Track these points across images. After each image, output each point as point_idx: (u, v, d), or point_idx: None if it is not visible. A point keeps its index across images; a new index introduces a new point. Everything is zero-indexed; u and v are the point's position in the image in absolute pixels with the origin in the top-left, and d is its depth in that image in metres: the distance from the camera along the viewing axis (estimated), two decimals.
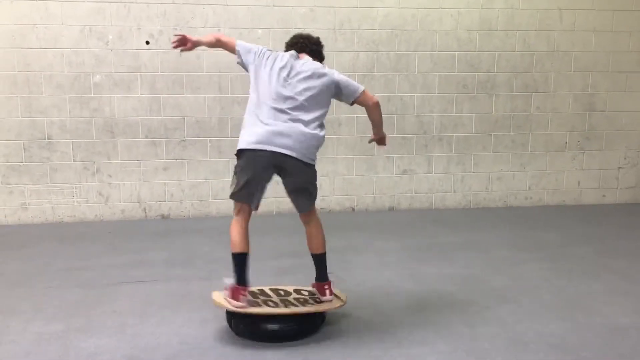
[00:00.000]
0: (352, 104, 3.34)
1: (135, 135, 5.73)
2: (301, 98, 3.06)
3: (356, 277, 4.02)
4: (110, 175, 5.75)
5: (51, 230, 5.43)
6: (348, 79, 3.28)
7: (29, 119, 5.55)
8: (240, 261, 3.03)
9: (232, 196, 3.15)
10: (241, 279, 3.01)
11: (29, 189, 5.64)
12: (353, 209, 6.23)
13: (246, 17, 5.74)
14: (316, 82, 3.12)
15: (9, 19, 5.39)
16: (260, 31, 5.76)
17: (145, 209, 5.86)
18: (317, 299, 3.25)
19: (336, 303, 3.25)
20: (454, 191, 6.38)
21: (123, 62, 5.62)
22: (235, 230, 3.07)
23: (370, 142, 3.64)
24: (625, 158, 6.60)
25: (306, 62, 3.19)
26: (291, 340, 3.01)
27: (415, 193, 6.31)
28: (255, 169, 3.05)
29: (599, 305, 3.53)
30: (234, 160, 6.32)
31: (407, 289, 3.82)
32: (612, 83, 6.42)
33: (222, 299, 3.03)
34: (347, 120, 6.05)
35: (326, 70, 3.20)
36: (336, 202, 6.17)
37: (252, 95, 3.12)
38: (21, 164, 5.60)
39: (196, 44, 3.26)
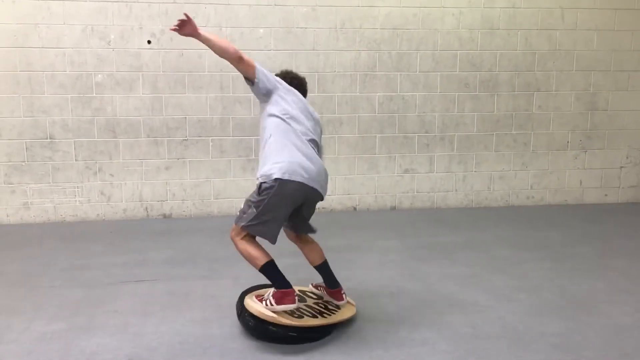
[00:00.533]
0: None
1: (137, 134, 5.74)
2: (318, 141, 3.14)
3: (358, 276, 4.02)
4: (112, 175, 5.76)
5: (53, 229, 5.44)
6: None
7: (31, 118, 5.56)
8: (272, 269, 3.00)
9: (249, 228, 3.01)
10: (283, 283, 2.99)
11: (31, 189, 5.65)
12: (354, 209, 6.23)
13: (248, 17, 5.74)
14: (319, 128, 3.23)
15: (11, 18, 5.40)
16: (261, 30, 5.76)
17: (147, 208, 5.87)
18: (332, 304, 3.29)
19: (351, 310, 3.29)
20: (456, 190, 6.37)
21: (125, 62, 5.63)
22: (249, 248, 3.02)
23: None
24: (627, 157, 6.59)
25: (312, 108, 3.22)
26: (305, 343, 3.01)
27: (417, 192, 6.31)
28: (293, 204, 3.00)
29: (601, 304, 3.53)
30: (235, 160, 6.32)
31: (408, 288, 3.82)
32: (614, 82, 6.41)
33: (268, 312, 2.99)
34: (349, 119, 6.05)
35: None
36: (338, 201, 6.17)
37: (276, 120, 2.99)
38: (23, 163, 5.60)
39: (196, 36, 2.95)
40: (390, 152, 6.17)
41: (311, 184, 2.96)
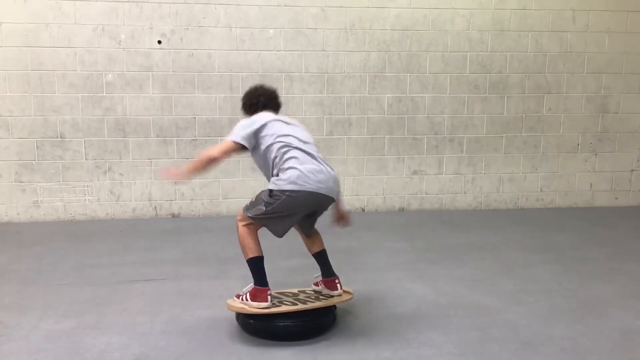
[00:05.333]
0: None
1: (147, 134, 5.76)
2: (314, 145, 3.15)
3: (366, 277, 4.01)
4: (121, 174, 5.78)
5: (63, 228, 5.47)
6: None
7: (42, 117, 5.60)
8: (258, 265, 3.06)
9: (255, 219, 3.06)
10: (262, 281, 3.04)
11: (41, 187, 5.69)
12: (363, 210, 6.22)
13: (257, 17, 5.75)
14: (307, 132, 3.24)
15: (22, 17, 5.44)
16: (271, 31, 5.77)
17: (156, 207, 5.89)
18: (327, 295, 3.27)
19: (347, 296, 3.29)
20: (465, 192, 6.35)
21: (135, 62, 5.65)
22: (248, 237, 3.07)
23: (337, 223, 3.41)
24: (638, 160, 6.54)
25: (288, 118, 3.26)
26: (303, 338, 3.02)
27: (426, 194, 6.29)
28: (304, 211, 3.05)
29: (610, 308, 3.50)
30: (244, 160, 6.33)
31: (416, 290, 3.81)
32: (626, 84, 6.36)
33: (240, 304, 3.05)
34: (358, 120, 6.04)
35: None
36: (346, 202, 6.13)
37: (273, 146, 3.02)
38: (34, 162, 5.64)
39: (187, 177, 3.14)
40: (399, 154, 6.16)
41: (322, 191, 2.99)
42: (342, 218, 3.38)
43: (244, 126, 3.09)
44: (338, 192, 3.13)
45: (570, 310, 3.46)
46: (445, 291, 3.79)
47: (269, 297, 3.01)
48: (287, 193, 2.93)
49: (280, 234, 3.10)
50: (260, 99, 3.28)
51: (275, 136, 3.04)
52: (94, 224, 5.65)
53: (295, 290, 3.39)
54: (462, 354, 2.89)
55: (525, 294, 3.72)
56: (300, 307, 3.08)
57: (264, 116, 3.15)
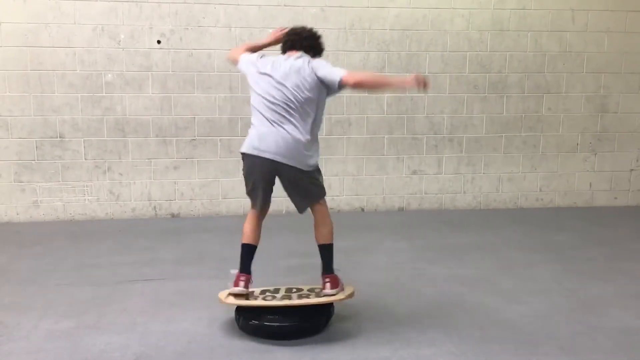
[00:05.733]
0: (339, 88, 3.03)
1: (146, 134, 5.76)
2: (292, 104, 3.01)
3: (365, 277, 4.01)
4: (121, 174, 5.78)
5: (62, 228, 5.47)
6: (324, 61, 3.14)
7: (41, 117, 5.59)
8: (244, 251, 3.18)
9: (249, 196, 3.29)
10: (243, 267, 3.15)
11: (40, 187, 5.68)
12: (362, 209, 6.22)
13: (257, 17, 5.74)
14: (298, 79, 3.02)
15: (22, 17, 5.44)
16: (271, 31, 5.74)
17: (155, 207, 5.88)
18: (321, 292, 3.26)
19: (340, 296, 3.17)
20: (464, 192, 6.35)
21: (135, 61, 5.65)
22: (247, 223, 3.22)
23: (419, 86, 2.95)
24: (637, 160, 6.54)
25: (288, 59, 3.12)
26: (295, 337, 3.02)
27: (425, 194, 6.29)
28: (259, 174, 3.14)
29: (610, 307, 3.51)
30: None
31: (416, 289, 3.81)
32: (625, 84, 6.37)
33: (224, 298, 3.14)
34: (357, 120, 6.04)
35: (302, 59, 3.11)
36: (345, 202, 6.16)
37: (251, 97, 3.20)
38: (33, 161, 5.64)
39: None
40: (398, 153, 6.16)
41: (264, 155, 3.01)
42: (414, 84, 2.92)
43: (245, 62, 3.30)
44: (294, 158, 2.99)
45: (570, 310, 3.47)
46: (445, 291, 3.79)
47: (241, 283, 3.08)
48: (242, 155, 3.13)
49: (256, 205, 3.20)
50: (291, 37, 3.29)
51: (252, 92, 3.15)
52: (94, 224, 5.65)
53: (304, 288, 3.34)
54: (462, 354, 2.90)
55: (525, 294, 3.73)
56: (279, 302, 3.09)
57: (258, 65, 3.17)
